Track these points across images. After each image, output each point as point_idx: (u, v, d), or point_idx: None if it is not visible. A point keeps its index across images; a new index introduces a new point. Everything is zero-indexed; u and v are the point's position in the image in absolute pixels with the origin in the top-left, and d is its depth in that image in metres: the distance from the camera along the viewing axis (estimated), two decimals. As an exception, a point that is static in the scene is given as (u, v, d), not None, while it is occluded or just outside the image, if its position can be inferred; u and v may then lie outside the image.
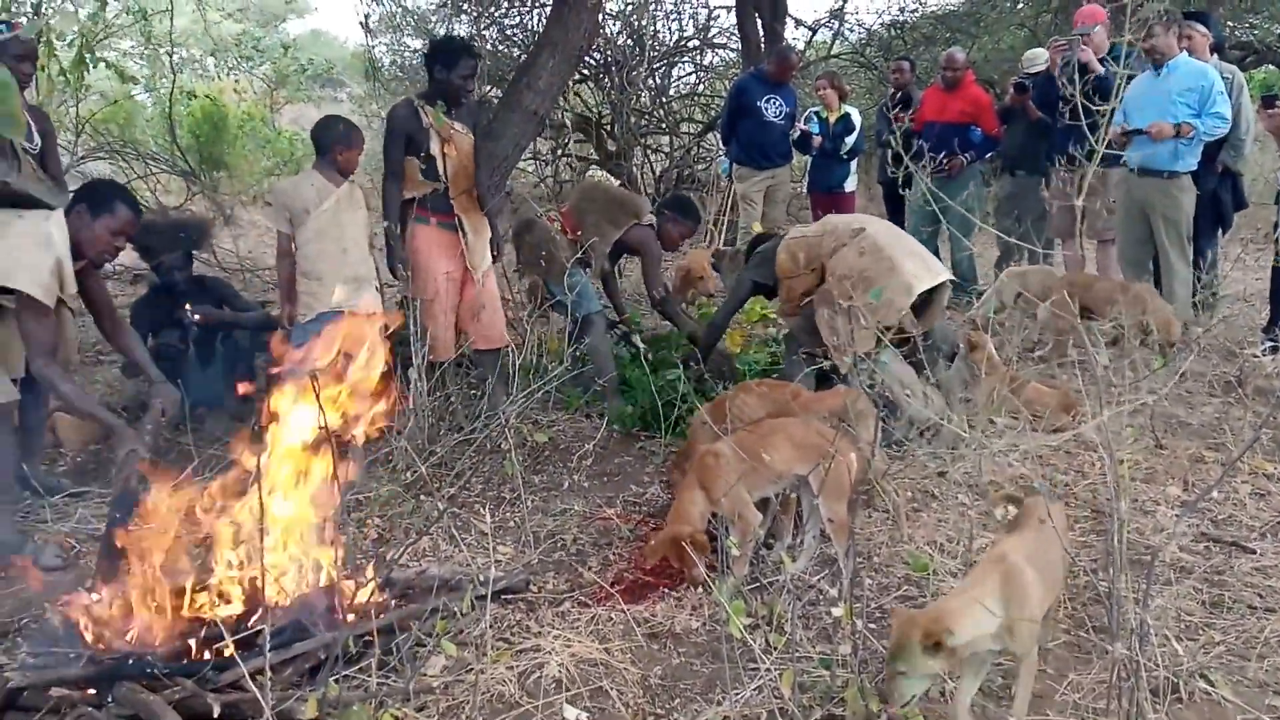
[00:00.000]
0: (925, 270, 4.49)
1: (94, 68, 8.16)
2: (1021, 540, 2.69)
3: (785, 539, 3.72)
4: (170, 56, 11.41)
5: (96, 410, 3.60)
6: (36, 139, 4.84)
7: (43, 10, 7.85)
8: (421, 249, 4.90)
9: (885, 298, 4.28)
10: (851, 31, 13.66)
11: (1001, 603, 2.42)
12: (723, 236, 10.00)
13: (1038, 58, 7.63)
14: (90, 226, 3.61)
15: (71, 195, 3.84)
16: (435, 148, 4.80)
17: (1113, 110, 2.62)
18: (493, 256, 5.13)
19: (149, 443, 3.45)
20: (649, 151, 14.11)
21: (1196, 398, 5.17)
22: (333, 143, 4.42)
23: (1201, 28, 6.21)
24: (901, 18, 13.27)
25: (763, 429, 3.64)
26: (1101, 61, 6.49)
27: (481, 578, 3.09)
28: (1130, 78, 6.08)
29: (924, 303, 4.56)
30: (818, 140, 7.96)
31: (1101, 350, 2.75)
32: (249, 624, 2.77)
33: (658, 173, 13.85)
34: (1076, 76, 5.64)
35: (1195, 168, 6.01)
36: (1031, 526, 2.74)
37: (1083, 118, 2.65)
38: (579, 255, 5.26)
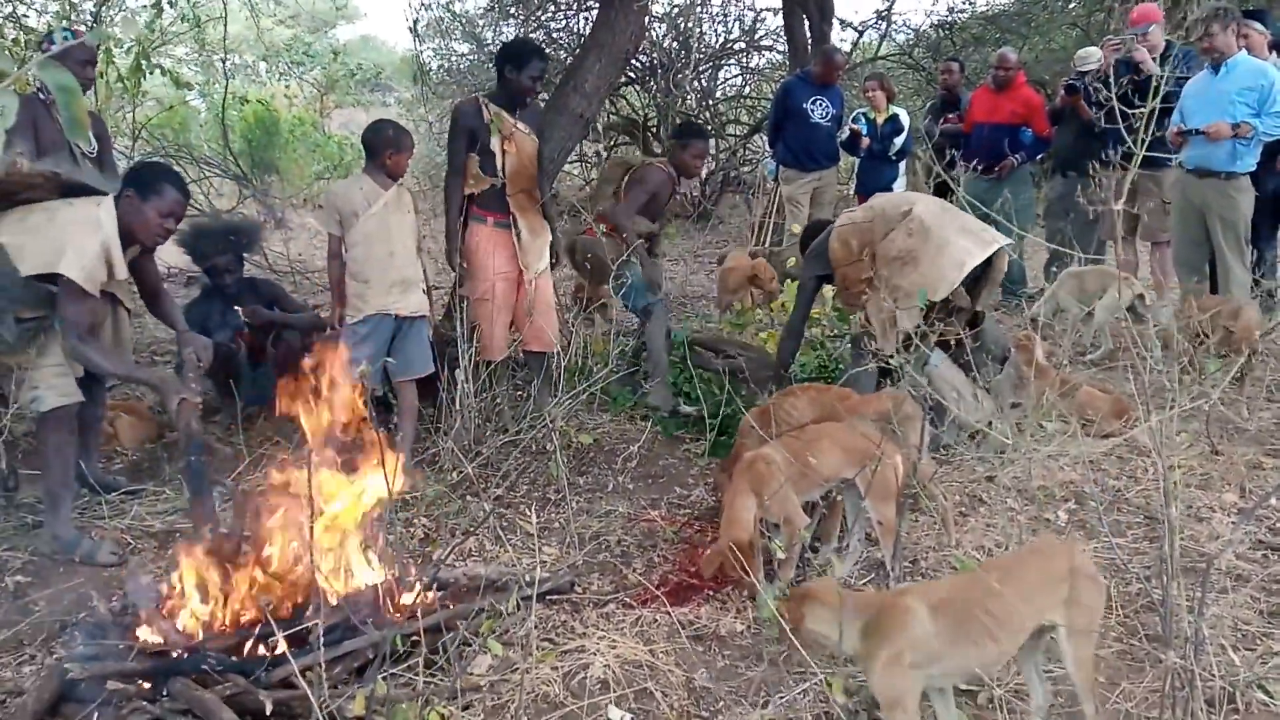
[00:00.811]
0: (978, 244, 4.34)
1: (150, 74, 8.33)
2: (937, 589, 2.57)
3: (832, 542, 3.70)
4: (224, 62, 11.62)
5: (136, 372, 3.71)
6: (94, 143, 5.01)
7: (102, 17, 8.01)
8: (477, 248, 4.95)
9: (936, 274, 4.21)
10: (899, 32, 13.57)
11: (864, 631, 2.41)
12: (768, 238, 9.99)
13: (1090, 56, 7.51)
14: (140, 210, 3.63)
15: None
16: (495, 144, 4.85)
17: (1153, 111, 2.58)
18: (551, 262, 5.18)
19: (195, 389, 3.58)
20: (695, 154, 14.11)
21: (1254, 402, 5.06)
22: (382, 147, 4.45)
23: (1260, 26, 6.09)
24: (950, 18, 13.14)
25: (808, 433, 3.62)
26: (1157, 61, 6.39)
27: (527, 578, 3.11)
28: (1181, 80, 5.98)
29: (980, 277, 4.46)
30: (866, 141, 7.91)
31: (1155, 351, 2.70)
32: (300, 620, 2.80)
33: (703, 175, 13.85)
34: (1113, 77, 5.56)
35: (1254, 168, 5.89)
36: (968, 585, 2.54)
37: (1119, 119, 2.60)
38: (624, 254, 5.26)
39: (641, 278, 5.34)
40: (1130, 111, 2.54)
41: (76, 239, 3.46)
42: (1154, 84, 2.59)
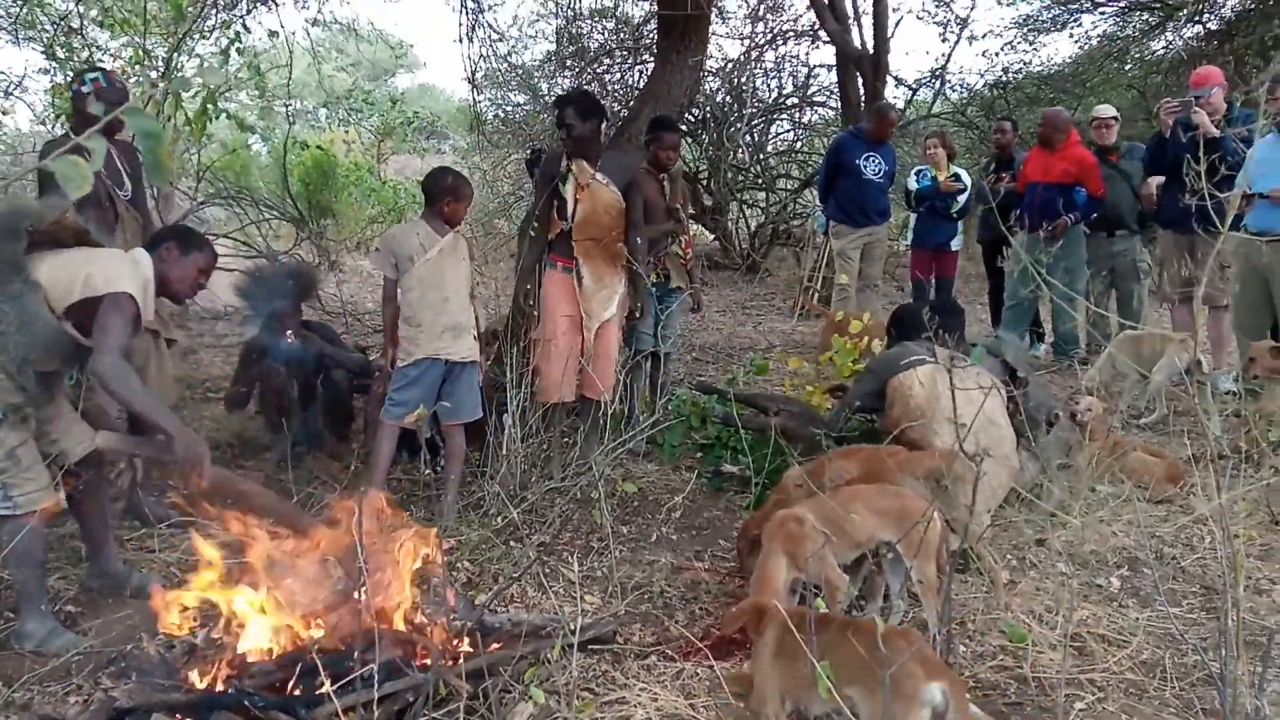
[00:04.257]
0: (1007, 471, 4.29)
1: (216, 118, 8.58)
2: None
3: (877, 599, 3.66)
4: (286, 108, 11.93)
5: (158, 414, 3.35)
6: (128, 185, 4.86)
7: (173, 64, 8.28)
8: (547, 292, 5.08)
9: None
10: (953, 90, 13.62)
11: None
12: (817, 294, 9.99)
13: (1103, 112, 7.60)
14: (180, 262, 3.66)
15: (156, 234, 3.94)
16: (569, 191, 4.96)
17: (1215, 171, 2.56)
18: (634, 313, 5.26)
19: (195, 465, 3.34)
20: (745, 206, 14.21)
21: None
22: (441, 194, 4.53)
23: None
24: (1005, 78, 13.18)
25: (841, 495, 3.59)
26: (1218, 125, 6.34)
27: (570, 626, 3.11)
28: (1247, 140, 5.93)
29: None
30: (955, 186, 7.89)
31: (1214, 419, 2.66)
32: (346, 660, 2.82)
33: (753, 228, 13.93)
34: (1171, 140, 5.51)
35: (1319, 233, 5.80)
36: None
37: (1203, 180, 2.58)
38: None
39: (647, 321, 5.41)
40: (1190, 175, 2.53)
41: (124, 270, 3.42)
42: (1235, 144, 2.57)
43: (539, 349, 5.01)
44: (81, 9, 8.45)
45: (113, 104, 4.69)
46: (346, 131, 16.91)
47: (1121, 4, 12.93)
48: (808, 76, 13.39)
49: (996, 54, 13.12)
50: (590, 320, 5.05)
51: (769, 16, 12.96)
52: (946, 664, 2.77)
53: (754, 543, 3.92)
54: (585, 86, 11.82)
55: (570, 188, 4.96)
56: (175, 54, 8.43)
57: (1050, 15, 13.42)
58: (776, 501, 3.98)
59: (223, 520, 3.30)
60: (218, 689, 2.78)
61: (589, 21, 12.19)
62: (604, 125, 5.10)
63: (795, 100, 13.64)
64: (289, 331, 5.29)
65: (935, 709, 2.46)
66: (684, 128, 11.99)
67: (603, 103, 5.58)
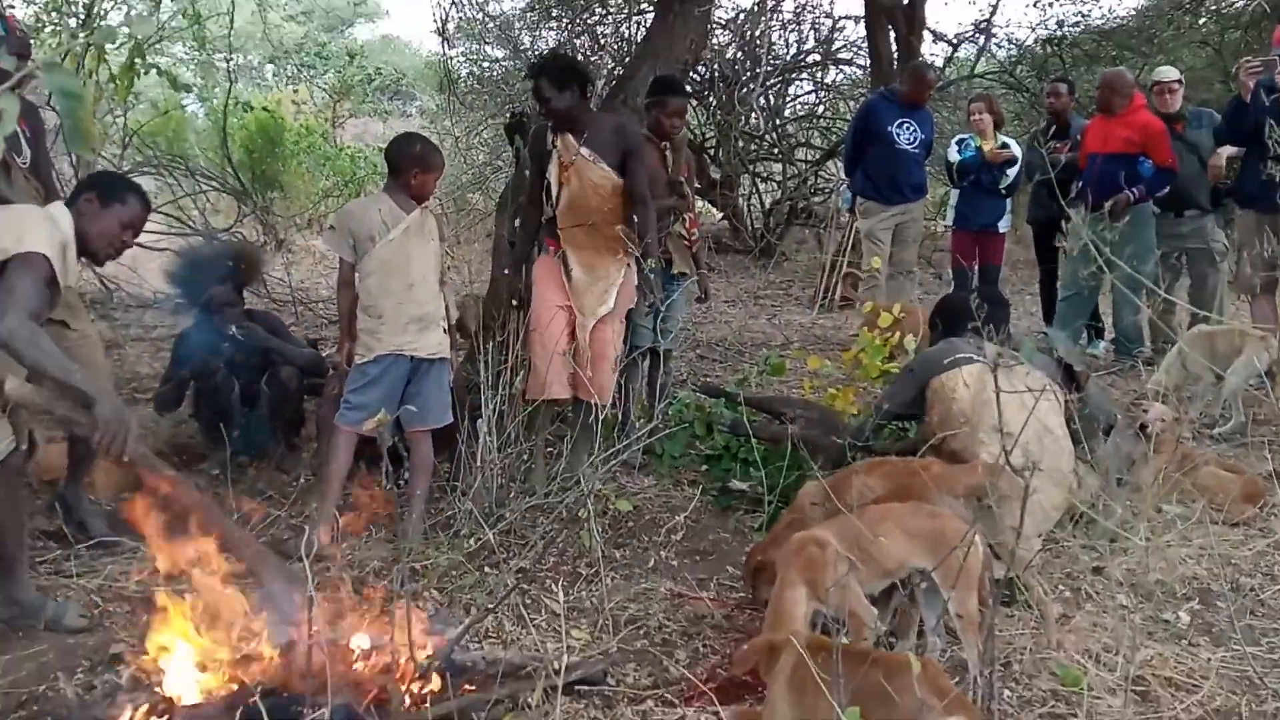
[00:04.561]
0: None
1: (144, 74, 8.55)
2: None
3: (910, 637, 3.66)
4: (227, 63, 11.92)
5: (75, 376, 3.26)
6: (26, 150, 4.68)
7: (95, 12, 8.27)
8: (536, 279, 5.10)
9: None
10: (1000, 47, 13.61)
11: None
12: (840, 281, 10.00)
13: (1166, 75, 7.59)
14: (100, 216, 3.64)
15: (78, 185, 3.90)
16: (552, 172, 4.95)
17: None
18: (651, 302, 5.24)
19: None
20: (759, 180, 14.21)
21: None
22: (408, 164, 4.50)
23: None
24: (1059, 32, 13.17)
25: (869, 514, 3.59)
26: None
27: (553, 665, 3.11)
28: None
29: None
30: (1001, 154, 7.85)
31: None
32: (294, 705, 2.82)
33: (768, 204, 13.94)
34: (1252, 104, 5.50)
35: None
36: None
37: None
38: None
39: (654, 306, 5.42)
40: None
41: (38, 228, 3.39)
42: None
43: (525, 339, 5.01)
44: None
45: (13, 56, 4.63)
46: (296, 91, 16.92)
47: (1195, -53, 12.95)
48: (832, 29, 13.42)
49: (1050, 5, 13.03)
50: (585, 318, 5.00)
51: (788, -42, 12.99)
52: (988, 711, 2.78)
53: (758, 570, 3.94)
54: (572, 41, 11.82)
55: (554, 168, 4.94)
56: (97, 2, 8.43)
57: (1113, -40, 13.47)
58: (790, 522, 3.98)
59: (161, 541, 3.30)
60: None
61: (579, -38, 12.20)
62: (590, 89, 5.07)
63: (818, 57, 13.65)
64: (229, 322, 5.29)
65: None
66: (689, 89, 11.99)
67: (590, 60, 5.58)
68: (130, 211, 3.72)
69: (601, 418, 4.87)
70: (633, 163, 4.98)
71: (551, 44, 12.54)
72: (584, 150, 4.91)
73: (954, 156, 8.11)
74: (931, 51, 12.59)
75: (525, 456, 4.99)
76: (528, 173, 5.22)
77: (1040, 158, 7.49)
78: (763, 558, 3.91)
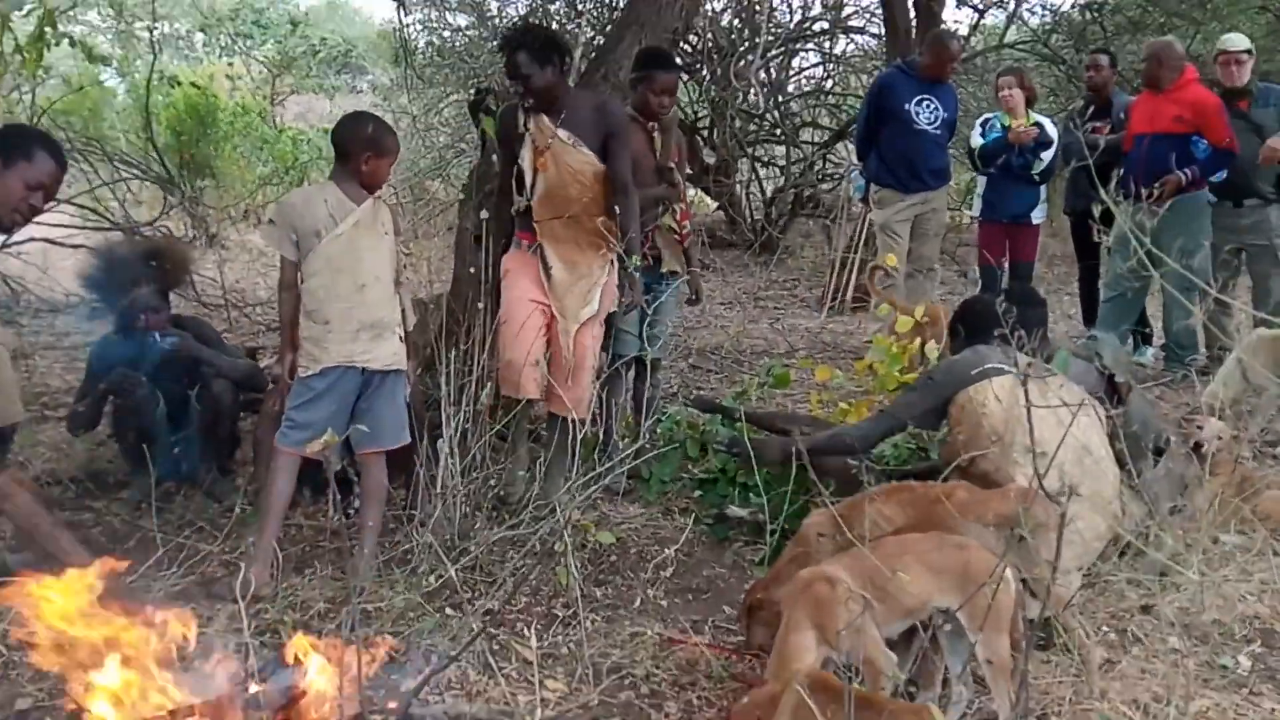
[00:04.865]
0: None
1: (56, 45, 8.54)
2: None
3: (934, 687, 3.67)
4: (150, 32, 11.89)
5: None
6: None
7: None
8: (507, 272, 5.15)
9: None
10: (1032, 14, 13.67)
11: None
12: (852, 278, 10.03)
13: (1236, 44, 7.58)
14: (1, 177, 3.62)
15: None
16: (525, 158, 4.99)
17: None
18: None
19: None
20: (759, 165, 14.24)
21: None
22: (359, 148, 4.47)
23: None
24: (1099, -2, 13.25)
25: (885, 547, 3.60)
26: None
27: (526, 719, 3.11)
28: None
29: None
30: (1027, 134, 7.85)
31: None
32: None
33: (769, 193, 13.97)
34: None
35: None
36: None
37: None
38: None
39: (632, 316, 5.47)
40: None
41: None
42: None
43: (494, 338, 5.04)
44: None
45: None
46: (231, 64, 16.90)
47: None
48: (842, -8, 13.48)
49: (1089, -35, 13.11)
50: (567, 322, 5.04)
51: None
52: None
53: (754, 609, 3.95)
54: (545, 7, 11.84)
55: (527, 154, 4.97)
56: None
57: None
58: (794, 556, 3.99)
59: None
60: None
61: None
62: (568, 63, 5.10)
63: (825, 24, 13.71)
64: (153, 330, 5.27)
65: None
66: (679, 61, 12.02)
67: (567, 30, 5.60)
68: (38, 171, 3.67)
69: (580, 436, 4.87)
70: (615, 145, 5.01)
71: (522, 10, 12.59)
72: (561, 132, 4.94)
73: (976, 141, 8.13)
74: (955, 19, 12.77)
75: (493, 481, 4.98)
76: (495, 158, 5.22)
77: (1078, 139, 7.53)
78: (762, 595, 3.92)
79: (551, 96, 4.92)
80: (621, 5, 10.34)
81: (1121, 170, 7.41)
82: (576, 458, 4.85)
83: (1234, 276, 7.73)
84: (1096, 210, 7.65)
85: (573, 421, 4.97)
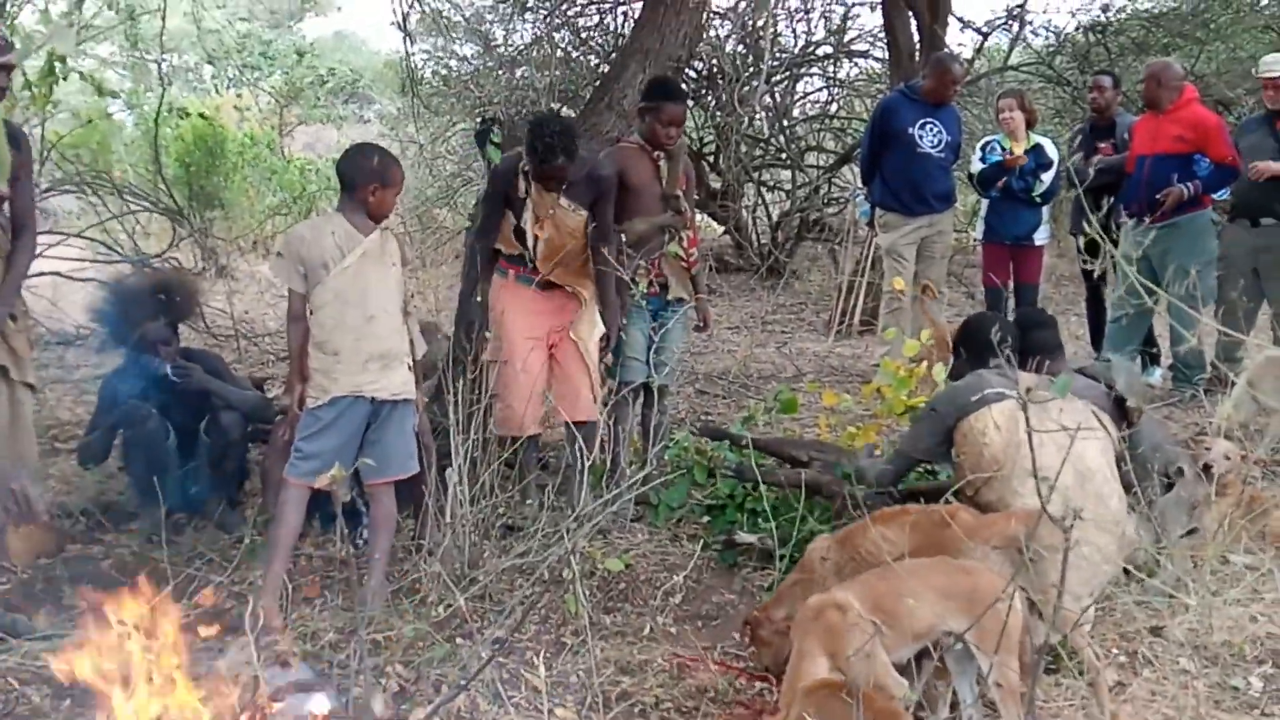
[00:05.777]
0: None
1: (65, 79, 8.59)
2: None
3: (941, 712, 3.67)
4: (159, 65, 11.95)
5: None
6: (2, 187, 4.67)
7: (5, 11, 8.31)
8: (495, 304, 5.35)
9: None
10: (1036, 36, 13.68)
11: None
12: (860, 301, 10.04)
13: (1275, 64, 7.54)
14: None
15: None
16: (526, 221, 5.23)
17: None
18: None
19: None
20: (764, 189, 14.27)
21: None
22: (364, 179, 4.49)
23: None
24: (1103, 18, 13.27)
25: (893, 572, 3.60)
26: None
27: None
28: None
29: None
30: (1017, 160, 7.85)
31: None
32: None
33: (775, 217, 13.99)
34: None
35: None
36: None
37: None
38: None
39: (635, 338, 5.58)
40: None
41: None
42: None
43: (495, 372, 5.16)
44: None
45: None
46: (239, 95, 16.97)
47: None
48: (845, 17, 13.50)
49: (1092, -13, 13.15)
50: (585, 343, 5.35)
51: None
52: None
53: (754, 629, 3.96)
54: (550, 36, 11.86)
55: (529, 218, 5.22)
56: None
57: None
58: (796, 582, 4.00)
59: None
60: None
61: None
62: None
63: (829, 49, 13.74)
64: (162, 362, 5.29)
65: None
66: (684, 88, 12.05)
67: (571, 58, 5.68)
68: None
69: (590, 463, 4.89)
70: (602, 204, 5.32)
71: (528, 39, 12.61)
72: (563, 200, 5.22)
73: (976, 166, 8.14)
74: (959, 42, 12.70)
75: (502, 509, 4.99)
76: (485, 200, 5.41)
77: (1077, 161, 7.54)
78: (760, 614, 3.94)
79: (565, 181, 5.19)
80: (626, 33, 10.40)
81: (1122, 191, 7.41)
82: (585, 483, 4.86)
83: (1257, 304, 7.65)
84: (1085, 228, 7.62)
85: (580, 448, 5.00)
